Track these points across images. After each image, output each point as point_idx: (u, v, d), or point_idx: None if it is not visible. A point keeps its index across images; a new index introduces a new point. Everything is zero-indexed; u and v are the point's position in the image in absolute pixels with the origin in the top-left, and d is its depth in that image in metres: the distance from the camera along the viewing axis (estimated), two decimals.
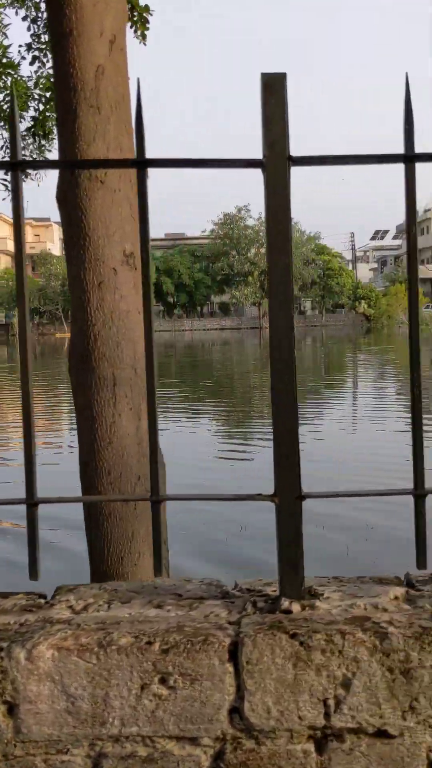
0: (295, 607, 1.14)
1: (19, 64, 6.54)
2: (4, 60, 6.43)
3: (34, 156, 7.57)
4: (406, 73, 1.30)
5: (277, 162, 1.12)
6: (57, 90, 3.17)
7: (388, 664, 1.05)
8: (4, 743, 1.09)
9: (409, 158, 1.13)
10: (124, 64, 3.17)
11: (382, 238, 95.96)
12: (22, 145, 7.61)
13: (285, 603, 1.15)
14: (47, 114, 7.23)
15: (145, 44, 6.32)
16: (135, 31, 6.37)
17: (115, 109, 3.07)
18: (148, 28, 6.34)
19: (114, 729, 1.08)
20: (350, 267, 77.31)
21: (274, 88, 1.12)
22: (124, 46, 3.21)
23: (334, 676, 1.06)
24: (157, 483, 1.19)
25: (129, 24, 5.98)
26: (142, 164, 1.16)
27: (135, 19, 6.26)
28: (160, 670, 1.07)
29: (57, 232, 78.85)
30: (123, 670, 1.08)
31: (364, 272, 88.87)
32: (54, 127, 7.31)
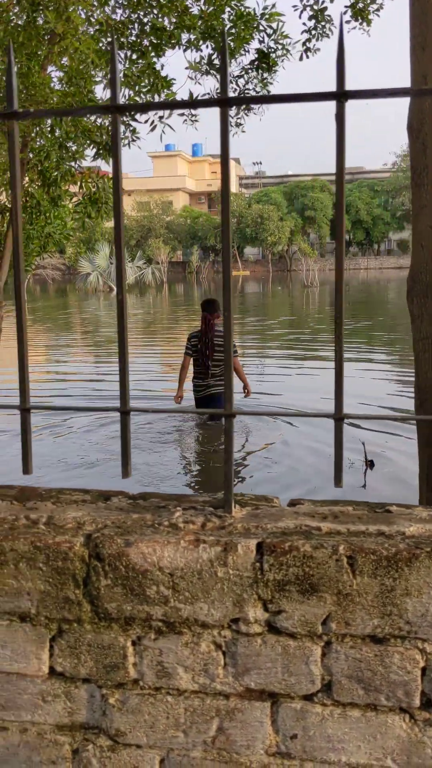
0: None
1: None
2: None
3: (257, 90, 7.28)
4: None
5: None
6: (412, 21, 3.12)
7: None
8: None
9: None
10: None
11: None
12: (246, 78, 7.43)
13: None
14: (272, 46, 7.01)
15: None
16: None
17: None
18: None
19: None
20: None
21: None
22: None
23: None
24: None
25: None
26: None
27: None
28: None
29: (234, 170, 78.57)
30: None
31: None
32: (279, 60, 7.04)
